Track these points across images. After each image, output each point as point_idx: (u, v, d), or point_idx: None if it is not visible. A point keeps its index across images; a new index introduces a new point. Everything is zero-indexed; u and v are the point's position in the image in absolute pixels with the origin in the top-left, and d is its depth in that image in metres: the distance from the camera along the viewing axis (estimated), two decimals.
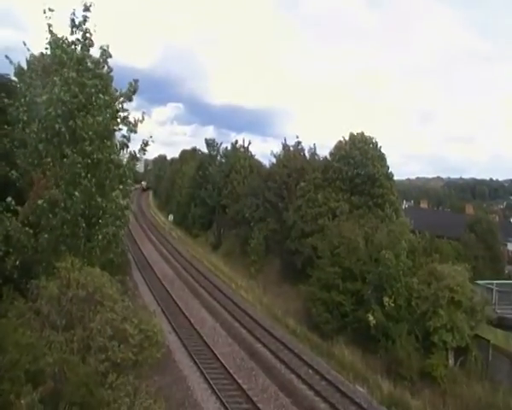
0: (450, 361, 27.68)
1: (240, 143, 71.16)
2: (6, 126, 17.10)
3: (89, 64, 17.57)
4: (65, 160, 16.23)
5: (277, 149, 55.70)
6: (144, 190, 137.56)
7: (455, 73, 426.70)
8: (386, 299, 29.75)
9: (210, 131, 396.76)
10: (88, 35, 17.36)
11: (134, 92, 18.42)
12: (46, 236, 15.77)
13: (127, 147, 18.54)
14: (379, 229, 35.45)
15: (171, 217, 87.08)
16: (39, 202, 15.11)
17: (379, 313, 29.67)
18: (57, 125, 16.33)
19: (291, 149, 53.46)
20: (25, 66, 20.30)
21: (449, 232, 41.92)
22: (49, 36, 17.18)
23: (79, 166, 16.16)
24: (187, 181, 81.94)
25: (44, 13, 16.46)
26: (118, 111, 18.16)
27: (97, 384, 10.00)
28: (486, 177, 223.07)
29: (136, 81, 18.30)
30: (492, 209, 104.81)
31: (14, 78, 20.52)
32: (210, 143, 77.31)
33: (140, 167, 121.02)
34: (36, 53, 19.78)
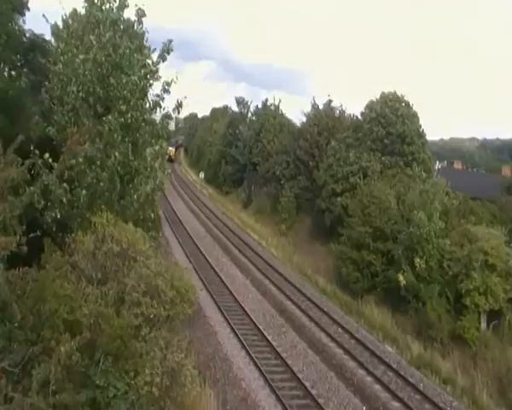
0: (483, 324, 27.43)
1: (270, 101, 70.48)
2: (47, 84, 17.38)
3: (122, 25, 17.47)
4: (104, 118, 16.34)
5: (308, 107, 54.87)
6: (172, 160, 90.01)
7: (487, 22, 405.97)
8: (417, 260, 29.48)
9: (242, 89, 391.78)
10: None
11: (168, 52, 18.29)
12: (84, 192, 15.96)
13: (160, 106, 18.51)
14: (411, 189, 34.93)
15: (202, 174, 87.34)
16: (79, 159, 15.15)
17: (409, 273, 29.48)
18: (92, 86, 16.42)
19: (321, 107, 52.63)
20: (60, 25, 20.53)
21: (484, 194, 40.84)
22: None
23: (116, 126, 16.30)
24: (218, 139, 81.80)
25: None
26: (151, 70, 18.09)
27: (131, 337, 10.19)
28: None
29: (170, 41, 18.16)
30: None
31: (49, 37, 20.71)
32: (240, 102, 76.79)
33: (171, 126, 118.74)
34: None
